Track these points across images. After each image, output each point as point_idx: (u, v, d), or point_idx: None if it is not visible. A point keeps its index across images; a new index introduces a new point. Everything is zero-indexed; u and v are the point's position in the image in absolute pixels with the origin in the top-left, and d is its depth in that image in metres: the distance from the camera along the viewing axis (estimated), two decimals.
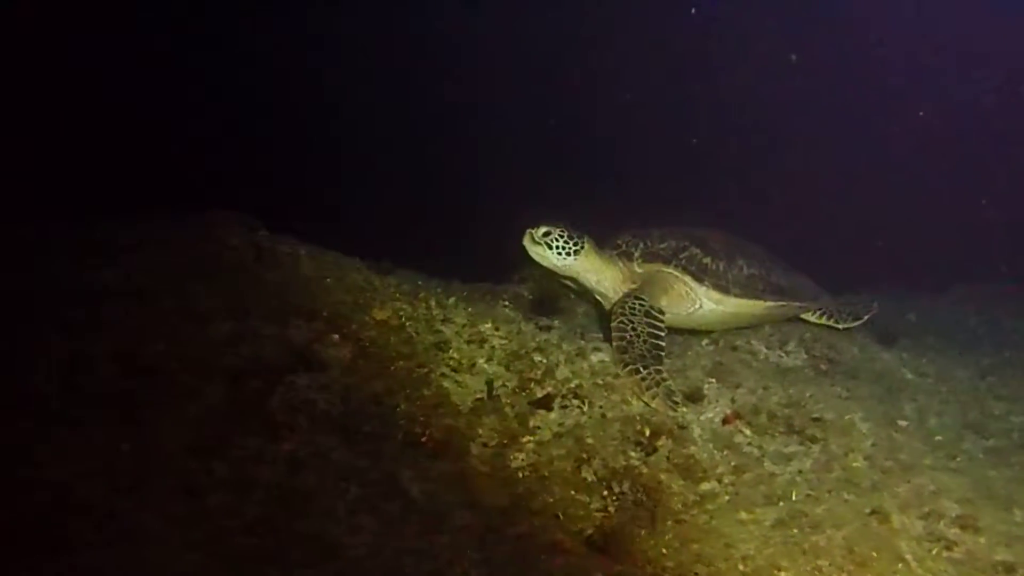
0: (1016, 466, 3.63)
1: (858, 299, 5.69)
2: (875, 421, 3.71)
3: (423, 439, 3.18)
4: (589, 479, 3.17)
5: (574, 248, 4.53)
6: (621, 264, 4.78)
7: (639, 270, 4.72)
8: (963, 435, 3.99)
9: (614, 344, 4.10)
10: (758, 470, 3.36)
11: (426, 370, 3.62)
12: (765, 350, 4.51)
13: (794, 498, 3.13)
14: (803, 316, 5.24)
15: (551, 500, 3.02)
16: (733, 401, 3.83)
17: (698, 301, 4.62)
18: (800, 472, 3.34)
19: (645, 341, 4.11)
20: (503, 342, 3.99)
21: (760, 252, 5.12)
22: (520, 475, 3.16)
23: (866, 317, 5.26)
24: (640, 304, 4.35)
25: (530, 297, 4.88)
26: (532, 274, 5.12)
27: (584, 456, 3.27)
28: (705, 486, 3.27)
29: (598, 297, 4.90)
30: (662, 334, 4.22)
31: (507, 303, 4.64)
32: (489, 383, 3.64)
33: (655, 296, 4.52)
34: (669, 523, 2.98)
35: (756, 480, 3.30)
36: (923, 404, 4.27)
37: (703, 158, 12.96)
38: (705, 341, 4.57)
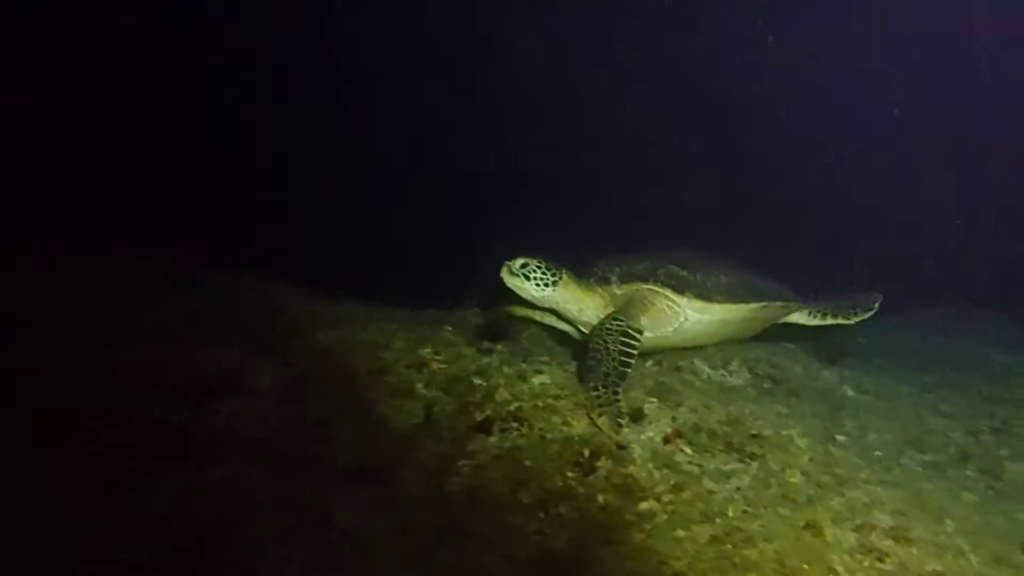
0: (952, 479, 3.68)
1: (852, 298, 5.61)
2: (813, 437, 3.73)
3: (358, 466, 3.12)
4: (525, 501, 3.12)
5: (552, 279, 4.53)
6: (600, 289, 4.78)
7: (619, 292, 4.73)
8: (902, 450, 4.03)
9: (587, 364, 4.10)
10: (697, 488, 3.34)
11: (364, 396, 3.57)
12: (708, 370, 4.53)
13: (730, 514, 3.12)
14: (799, 321, 5.30)
15: (485, 523, 2.96)
16: (674, 420, 3.83)
17: (682, 314, 4.63)
18: (738, 489, 3.33)
19: (614, 359, 4.11)
20: (443, 366, 3.95)
21: (732, 263, 5.15)
22: (455, 499, 3.10)
23: (876, 307, 5.30)
24: (617, 324, 4.36)
25: (476, 322, 4.86)
26: (490, 299, 5.13)
27: (521, 479, 3.23)
28: (644, 505, 3.24)
29: (581, 328, 4.88)
30: (634, 352, 4.22)
31: (451, 328, 4.61)
32: (427, 408, 3.60)
33: (635, 315, 4.53)
34: (604, 543, 2.95)
35: (694, 498, 3.27)
36: (864, 421, 4.31)
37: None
38: (649, 362, 4.58)
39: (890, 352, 6.66)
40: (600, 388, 3.87)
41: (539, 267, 4.52)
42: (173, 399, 3.06)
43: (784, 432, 3.68)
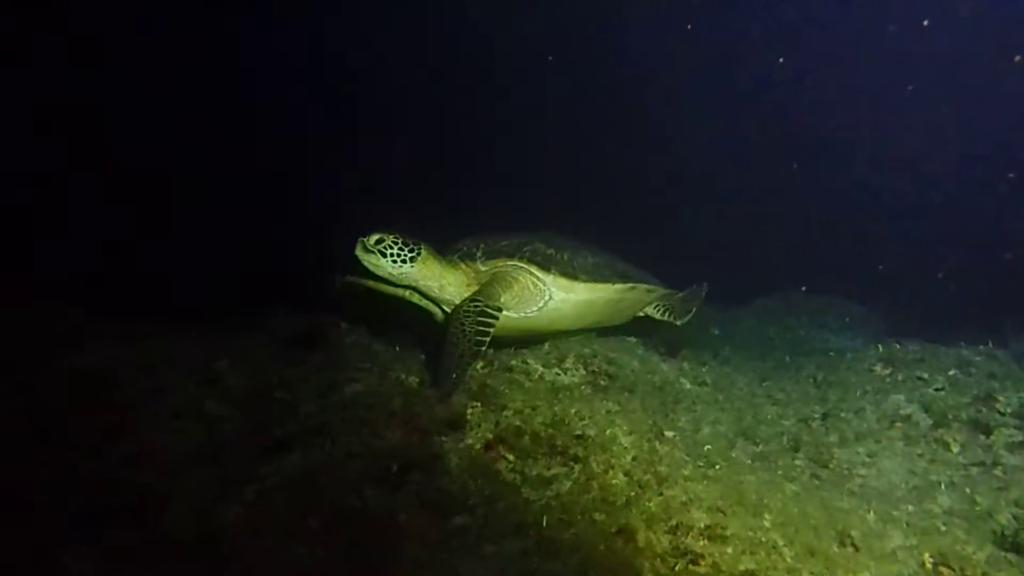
0: (779, 470, 3.60)
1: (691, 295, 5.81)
2: (640, 434, 3.55)
3: (110, 504, 2.66)
4: (314, 527, 2.76)
5: (410, 255, 4.24)
6: (464, 266, 4.57)
7: (483, 268, 4.55)
8: (734, 442, 3.95)
9: (444, 348, 3.92)
10: (513, 498, 3.08)
11: (135, 419, 3.10)
12: (541, 368, 4.31)
13: (545, 524, 2.87)
14: (650, 314, 5.34)
15: (260, 560, 2.58)
16: (497, 425, 3.55)
17: (547, 292, 4.49)
18: (557, 495, 3.09)
19: (469, 339, 3.96)
20: (240, 381, 3.53)
21: (599, 249, 5.06)
22: (228, 534, 2.69)
23: (694, 310, 5.47)
24: (475, 305, 4.17)
25: (291, 328, 4.44)
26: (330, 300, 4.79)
27: (312, 502, 2.87)
28: (457, 520, 2.95)
29: (444, 307, 4.64)
30: (489, 331, 4.07)
31: (261, 336, 4.19)
32: (210, 428, 3.18)
33: (496, 294, 4.34)
34: (402, 566, 2.63)
35: (509, 509, 3.01)
36: (699, 414, 4.22)
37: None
38: (481, 364, 4.30)
39: (739, 341, 6.73)
40: (454, 372, 3.74)
41: (396, 242, 4.23)
42: None
43: (609, 431, 3.48)
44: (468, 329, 4.02)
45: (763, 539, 2.75)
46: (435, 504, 3.00)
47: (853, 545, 2.83)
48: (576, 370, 4.37)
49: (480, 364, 4.34)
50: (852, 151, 14.28)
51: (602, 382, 4.34)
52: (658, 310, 5.42)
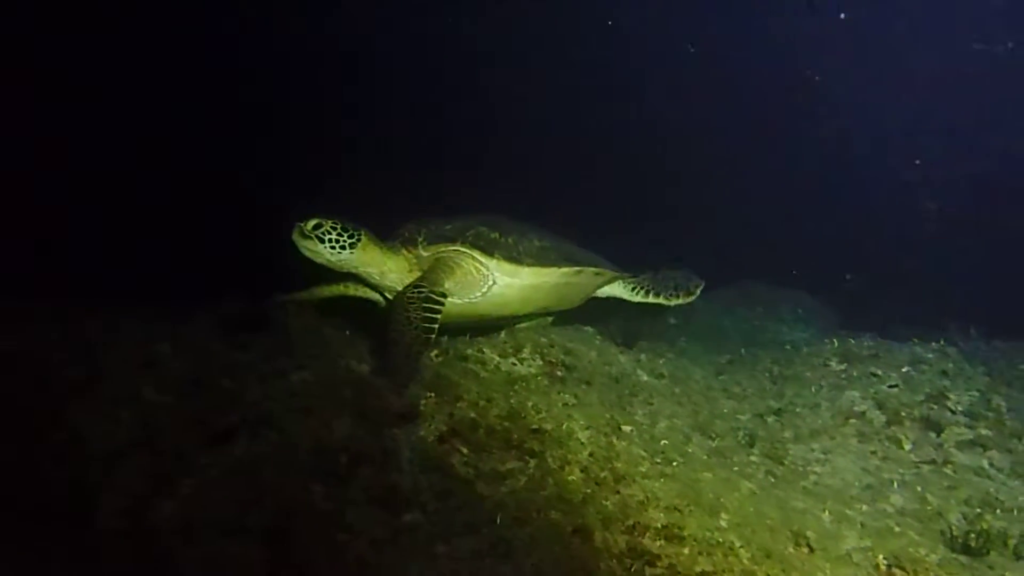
0: (735, 466, 3.56)
1: (675, 273, 5.54)
2: (597, 429, 3.48)
3: (34, 501, 2.49)
4: (252, 525, 2.62)
5: (349, 241, 4.09)
6: (405, 252, 4.42)
7: (425, 254, 4.40)
8: (690, 437, 3.90)
9: (388, 338, 3.76)
10: (467, 494, 2.98)
11: (65, 409, 2.91)
12: (498, 358, 4.21)
13: (499, 522, 2.78)
14: (620, 295, 5.22)
15: (195, 560, 2.44)
16: (451, 416, 3.44)
17: (490, 277, 4.37)
18: (512, 492, 3.00)
19: (417, 327, 3.80)
20: (181, 365, 3.35)
21: (552, 234, 4.90)
22: (161, 532, 2.54)
23: (698, 292, 5.30)
24: (419, 292, 4.02)
25: (239, 312, 4.25)
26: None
27: (253, 496, 2.72)
28: (407, 517, 2.84)
29: (386, 294, 4.52)
30: (437, 319, 3.92)
31: (207, 320, 4.00)
32: (148, 417, 3.00)
33: (439, 280, 4.20)
34: (347, 567, 2.51)
35: (463, 505, 2.91)
36: (656, 407, 4.16)
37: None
38: (435, 352, 4.17)
39: (696, 332, 6.71)
40: (401, 360, 3.60)
41: (334, 227, 4.08)
42: None
43: (566, 425, 3.40)
44: (414, 316, 3.89)
45: (720, 540, 2.71)
46: (385, 500, 2.88)
47: (808, 546, 2.81)
48: (533, 360, 4.28)
49: (434, 352, 4.22)
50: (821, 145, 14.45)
51: (559, 373, 4.25)
52: (636, 292, 5.28)
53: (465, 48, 14.27)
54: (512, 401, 3.58)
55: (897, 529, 3.02)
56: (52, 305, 3.61)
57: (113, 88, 9.90)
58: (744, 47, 15.30)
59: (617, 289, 5.33)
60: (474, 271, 4.36)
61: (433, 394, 3.61)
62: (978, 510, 3.33)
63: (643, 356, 4.89)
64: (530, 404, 3.55)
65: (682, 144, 14.44)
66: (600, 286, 5.12)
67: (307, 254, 4.16)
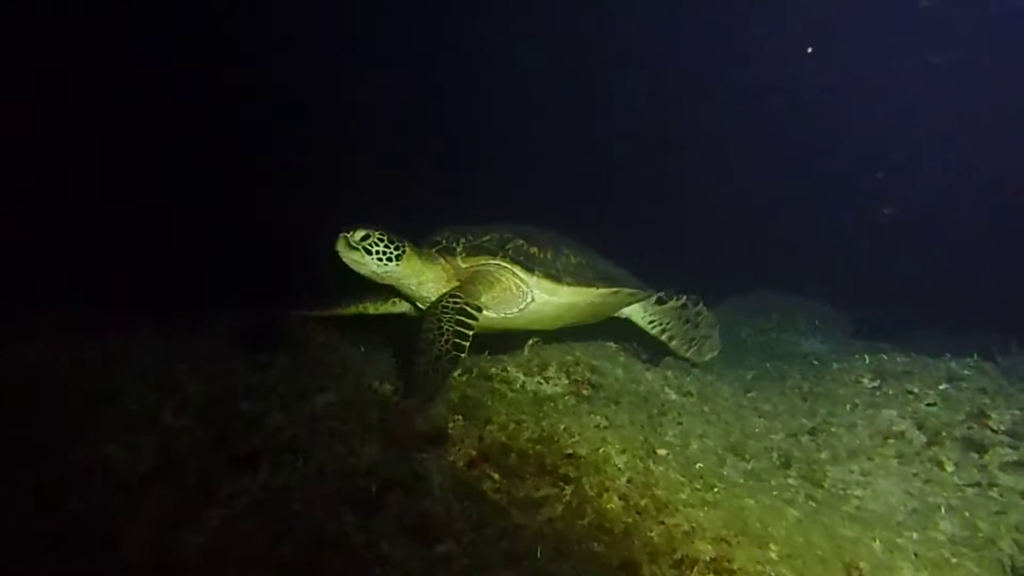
0: (774, 490, 3.42)
1: (699, 320, 5.60)
2: (633, 452, 3.34)
3: (54, 530, 2.36)
4: (287, 557, 2.49)
5: (395, 252, 4.02)
6: (443, 261, 4.33)
7: (463, 265, 4.31)
8: (724, 458, 3.77)
9: (418, 345, 3.68)
10: (502, 523, 2.85)
11: (81, 432, 2.79)
12: (523, 377, 4.08)
13: (539, 556, 2.65)
14: (636, 321, 5.27)
15: None
16: (481, 440, 3.32)
17: (529, 294, 4.30)
18: (550, 521, 2.87)
19: (448, 340, 3.72)
20: (202, 387, 3.23)
21: (578, 244, 4.82)
22: (188, 565, 2.42)
23: (708, 359, 5.47)
24: (454, 302, 3.93)
25: (258, 327, 4.13)
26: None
27: (285, 527, 2.60)
28: (441, 548, 2.71)
29: (419, 304, 4.41)
30: (469, 333, 3.83)
31: (226, 335, 3.88)
32: (169, 443, 2.87)
33: (477, 292, 4.12)
34: None
35: (499, 535, 2.78)
36: (687, 427, 4.03)
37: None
38: (459, 372, 4.05)
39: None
40: (430, 373, 3.49)
41: (381, 239, 4.00)
42: None
43: (601, 449, 3.27)
44: (446, 327, 3.80)
45: (771, 573, 2.58)
46: (418, 529, 2.75)
47: None
48: (559, 379, 4.15)
49: (457, 372, 4.10)
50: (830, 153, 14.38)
51: (585, 392, 4.13)
52: (653, 327, 5.26)
53: (465, 49, 14.23)
54: (543, 423, 3.45)
55: (954, 560, 2.88)
56: (58, 312, 3.49)
57: (113, 88, 9.82)
58: (748, 54, 15.24)
59: (636, 314, 5.28)
60: (513, 287, 4.29)
61: (461, 416, 3.49)
62: None
63: (669, 373, 4.77)
64: (562, 427, 3.42)
65: (691, 147, 14.38)
66: (631, 304, 5.05)
67: (351, 265, 4.08)
